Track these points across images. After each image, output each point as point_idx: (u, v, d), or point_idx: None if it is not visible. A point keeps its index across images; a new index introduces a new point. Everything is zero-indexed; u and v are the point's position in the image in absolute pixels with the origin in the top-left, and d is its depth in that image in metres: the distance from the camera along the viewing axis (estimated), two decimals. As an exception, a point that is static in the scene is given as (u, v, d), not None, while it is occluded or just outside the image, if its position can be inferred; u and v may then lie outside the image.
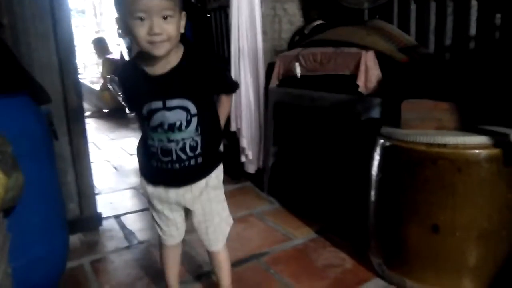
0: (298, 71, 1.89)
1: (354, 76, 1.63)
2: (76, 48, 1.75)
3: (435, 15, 1.79)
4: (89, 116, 4.95)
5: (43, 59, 1.62)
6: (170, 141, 1.05)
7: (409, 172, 1.24)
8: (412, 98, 1.36)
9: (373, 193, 1.39)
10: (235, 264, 1.53)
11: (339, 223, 1.80)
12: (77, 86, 1.72)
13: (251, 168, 2.30)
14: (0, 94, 1.16)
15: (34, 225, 1.22)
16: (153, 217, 1.21)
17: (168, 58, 1.01)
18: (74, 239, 1.73)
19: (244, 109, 2.19)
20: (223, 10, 2.87)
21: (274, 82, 2.08)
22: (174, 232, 1.20)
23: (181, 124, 1.04)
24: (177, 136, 1.05)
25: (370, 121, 1.58)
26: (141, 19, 0.93)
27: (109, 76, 4.77)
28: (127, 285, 1.45)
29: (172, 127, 1.04)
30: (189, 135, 1.06)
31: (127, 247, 1.72)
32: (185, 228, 1.23)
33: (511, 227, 1.18)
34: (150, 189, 1.15)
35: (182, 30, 1.01)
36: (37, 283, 1.26)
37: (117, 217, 2.03)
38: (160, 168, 1.09)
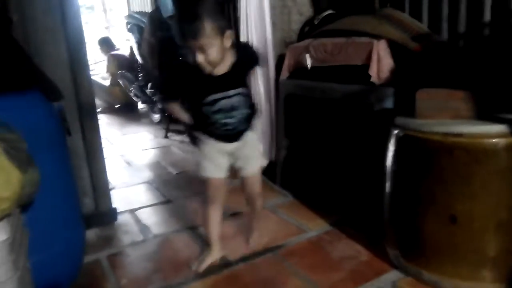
0: (309, 62, 1.87)
1: (366, 66, 1.61)
2: (87, 44, 1.74)
3: (448, 2, 1.76)
4: (100, 112, 4.99)
5: (54, 56, 1.62)
6: (228, 117, 1.37)
7: (425, 163, 1.22)
8: (427, 87, 1.34)
9: (388, 184, 1.38)
10: (250, 257, 1.55)
11: (354, 215, 1.79)
12: (89, 82, 1.72)
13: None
14: (12, 91, 1.17)
15: (51, 220, 1.24)
16: (202, 161, 1.47)
17: (224, 62, 1.31)
18: (90, 233, 1.75)
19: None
20: (231, 2, 2.86)
21: (284, 74, 2.06)
22: (219, 170, 1.47)
23: (238, 106, 1.36)
24: (234, 113, 1.37)
25: (383, 112, 1.56)
26: (190, 49, 1.25)
27: (118, 72, 4.80)
28: (144, 278, 1.46)
29: (232, 109, 1.36)
30: (242, 111, 1.38)
31: (143, 241, 1.74)
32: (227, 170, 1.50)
33: (531, 217, 1.16)
34: (212, 141, 1.43)
35: (227, 45, 1.28)
36: (55, 278, 1.28)
37: (131, 211, 2.04)
38: (217, 133, 1.41)
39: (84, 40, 1.68)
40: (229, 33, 1.27)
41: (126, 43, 5.12)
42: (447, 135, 1.17)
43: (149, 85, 4.06)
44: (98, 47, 5.41)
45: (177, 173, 2.62)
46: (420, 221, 1.27)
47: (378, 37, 1.61)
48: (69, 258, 1.35)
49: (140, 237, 1.77)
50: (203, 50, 1.22)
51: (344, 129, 1.92)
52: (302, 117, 2.15)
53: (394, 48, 1.60)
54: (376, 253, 1.49)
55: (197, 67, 1.27)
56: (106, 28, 7.29)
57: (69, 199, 1.36)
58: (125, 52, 5.02)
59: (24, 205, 1.07)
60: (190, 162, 2.82)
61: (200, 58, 1.23)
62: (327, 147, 2.03)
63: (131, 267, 1.55)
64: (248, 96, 1.40)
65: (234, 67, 1.33)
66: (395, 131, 1.32)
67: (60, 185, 1.29)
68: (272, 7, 2.10)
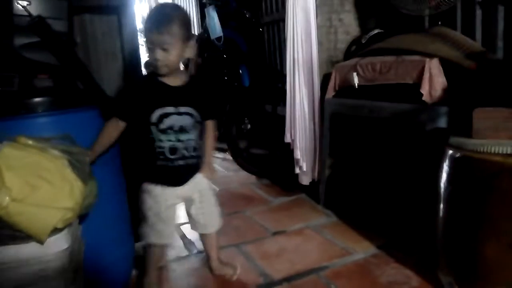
0: (356, 81, 1.86)
1: (417, 84, 1.57)
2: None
3: (503, 20, 1.70)
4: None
5: (111, 74, 1.71)
6: (178, 140, 1.32)
7: (484, 185, 1.16)
8: (483, 106, 1.29)
9: (442, 207, 1.32)
10: (294, 277, 1.52)
11: (402, 238, 1.72)
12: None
13: (305, 180, 2.27)
14: (75, 107, 1.25)
15: (104, 232, 1.28)
16: (149, 222, 1.37)
17: (177, 75, 1.33)
18: (137, 247, 1.79)
19: (298, 120, 2.18)
20: (276, 23, 2.92)
21: (330, 93, 2.06)
22: (168, 231, 1.43)
23: (187, 129, 1.33)
24: (183, 137, 1.33)
25: (435, 131, 1.51)
26: (151, 47, 1.26)
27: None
28: (188, 294, 1.47)
29: (181, 130, 1.32)
30: (191, 136, 1.35)
31: (187, 256, 1.76)
32: (174, 229, 1.51)
33: None
34: (159, 190, 1.35)
35: (188, 55, 1.32)
36: (105, 289, 1.32)
37: (176, 226, 2.06)
38: (165, 166, 1.33)
39: (139, 61, 1.78)
40: (192, 44, 1.32)
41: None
42: (509, 156, 1.11)
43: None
44: (145, 69, 5.64)
45: (219, 190, 2.64)
46: (478, 247, 1.20)
47: (430, 55, 1.57)
48: (120, 269, 1.39)
49: (185, 252, 1.79)
50: (164, 48, 1.23)
51: (392, 148, 1.88)
52: (347, 136, 2.12)
53: (447, 66, 1.56)
54: (427, 279, 1.42)
55: (152, 77, 1.30)
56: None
57: (122, 212, 1.41)
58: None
59: (81, 216, 1.12)
60: (231, 179, 2.85)
61: (159, 55, 1.23)
62: (374, 166, 1.99)
63: (176, 282, 1.57)
64: (202, 126, 1.40)
65: (190, 85, 1.35)
66: (450, 152, 1.27)
67: (114, 198, 1.34)
68: (319, 27, 2.12)
